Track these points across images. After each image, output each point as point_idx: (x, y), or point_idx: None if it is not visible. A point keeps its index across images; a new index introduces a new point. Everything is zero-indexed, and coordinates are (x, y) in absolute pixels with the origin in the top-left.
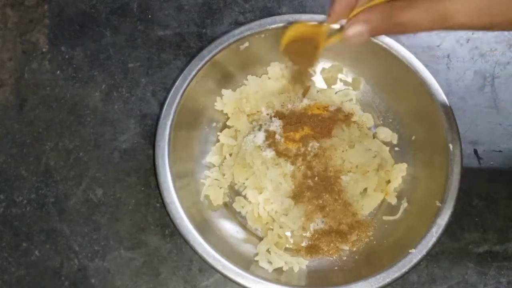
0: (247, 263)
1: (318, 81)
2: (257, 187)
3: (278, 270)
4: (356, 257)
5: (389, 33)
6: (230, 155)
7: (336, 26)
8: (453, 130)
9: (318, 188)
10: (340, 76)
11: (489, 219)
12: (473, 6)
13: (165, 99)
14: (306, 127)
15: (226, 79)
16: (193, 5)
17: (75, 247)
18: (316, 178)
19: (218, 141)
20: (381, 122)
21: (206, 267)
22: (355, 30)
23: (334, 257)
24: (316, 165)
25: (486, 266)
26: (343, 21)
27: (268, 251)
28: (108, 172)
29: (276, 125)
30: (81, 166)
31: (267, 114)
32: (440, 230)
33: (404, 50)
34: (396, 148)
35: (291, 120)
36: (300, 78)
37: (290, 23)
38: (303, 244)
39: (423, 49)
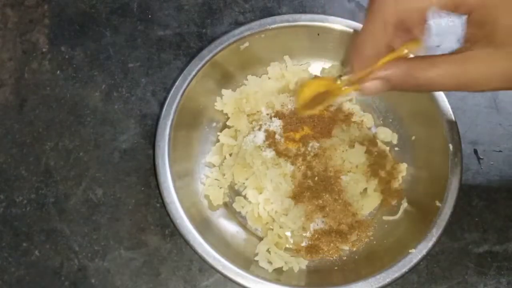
0: (247, 263)
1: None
2: (257, 187)
3: (278, 270)
4: (356, 257)
5: (407, 90)
6: (230, 155)
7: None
8: (453, 130)
9: (318, 188)
10: None
11: (489, 219)
12: (497, 71)
13: (165, 99)
14: (306, 127)
15: (226, 79)
16: (193, 5)
17: (75, 247)
18: (316, 178)
19: (218, 141)
20: (381, 122)
21: (206, 267)
22: (374, 86)
23: (334, 257)
24: (316, 165)
25: (486, 266)
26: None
27: (268, 251)
28: (108, 172)
29: (276, 125)
30: (81, 166)
31: (267, 114)
32: (440, 230)
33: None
34: (396, 148)
35: (291, 120)
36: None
37: (304, 80)
38: (303, 244)
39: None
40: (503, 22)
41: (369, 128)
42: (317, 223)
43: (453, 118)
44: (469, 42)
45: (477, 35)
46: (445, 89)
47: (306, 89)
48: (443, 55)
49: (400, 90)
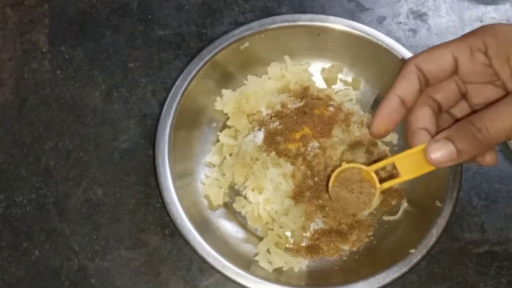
0: (247, 263)
1: (318, 81)
2: (257, 187)
3: (278, 270)
4: (356, 257)
5: (479, 147)
6: (230, 155)
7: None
8: None
9: (318, 188)
10: (340, 76)
11: (489, 219)
12: None
13: (165, 99)
14: (306, 127)
15: (226, 79)
16: (193, 5)
17: (75, 247)
18: (316, 178)
19: (218, 141)
20: None
21: (206, 267)
22: (440, 151)
23: (334, 257)
24: (316, 165)
25: (486, 266)
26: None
27: (268, 251)
28: (108, 172)
29: (276, 125)
30: (81, 166)
31: (267, 114)
32: (440, 230)
33: (405, 50)
34: (396, 148)
35: (291, 120)
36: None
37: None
38: (303, 244)
39: (423, 49)
40: None
41: (369, 128)
42: (317, 223)
43: None
44: None
45: None
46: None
47: (340, 170)
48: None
49: (468, 153)
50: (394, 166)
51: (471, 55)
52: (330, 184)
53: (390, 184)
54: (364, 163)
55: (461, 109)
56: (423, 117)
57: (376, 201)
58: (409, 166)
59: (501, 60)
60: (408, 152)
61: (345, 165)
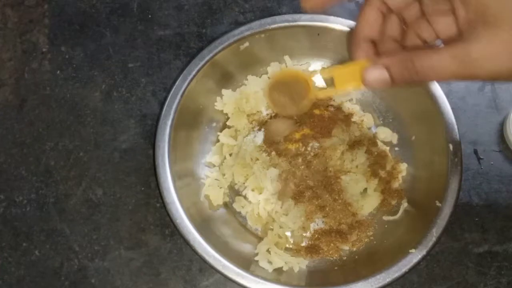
0: (247, 263)
1: (318, 81)
2: (257, 187)
3: (278, 270)
4: (356, 257)
5: (410, 81)
6: (230, 155)
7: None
8: (453, 130)
9: (318, 188)
10: None
11: (489, 219)
12: (502, 51)
13: (165, 99)
14: (306, 127)
15: (226, 79)
16: (193, 5)
17: (75, 247)
18: (316, 178)
19: (218, 141)
20: (381, 122)
21: (206, 267)
22: (374, 75)
23: (334, 257)
24: (316, 165)
25: (486, 266)
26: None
27: (268, 251)
28: (108, 172)
29: None
30: (81, 166)
31: (267, 114)
32: (440, 230)
33: None
34: (396, 148)
35: (291, 120)
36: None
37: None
38: (303, 244)
39: None
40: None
41: (369, 128)
42: (317, 223)
43: (453, 118)
44: (465, 31)
45: (472, 21)
46: (448, 77)
47: (278, 74)
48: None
49: (400, 83)
50: (393, 167)
51: None
52: (267, 88)
53: (324, 93)
54: (364, 164)
55: (410, 15)
56: (372, 24)
57: (308, 106)
58: (344, 79)
59: None
60: (346, 66)
61: (282, 70)
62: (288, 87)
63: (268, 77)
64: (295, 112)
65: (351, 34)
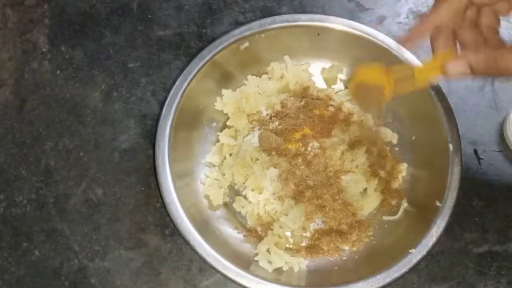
0: (247, 263)
1: (318, 81)
2: (257, 187)
3: (278, 270)
4: (356, 257)
5: (489, 75)
6: (230, 155)
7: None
8: (453, 130)
9: (318, 188)
10: (340, 76)
11: (489, 219)
12: None
13: (165, 99)
14: (306, 127)
15: (226, 79)
16: (193, 5)
17: (75, 247)
18: (316, 178)
19: (218, 141)
20: (381, 122)
21: (206, 267)
22: (458, 68)
23: (334, 257)
24: (316, 165)
25: (486, 266)
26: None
27: (268, 251)
28: (108, 172)
29: (276, 125)
30: (81, 166)
31: (267, 114)
32: (440, 230)
33: (404, 50)
34: (396, 148)
35: (291, 120)
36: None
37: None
38: (303, 244)
39: (423, 50)
40: None
41: (369, 128)
42: (317, 223)
43: (453, 118)
44: None
45: None
46: None
47: (360, 72)
48: None
49: (478, 74)
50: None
51: None
52: (352, 88)
53: (403, 88)
54: (364, 164)
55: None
56: (453, 13)
57: (388, 100)
58: (425, 71)
59: None
60: (425, 65)
61: (363, 68)
62: (369, 86)
63: (350, 78)
64: (378, 108)
65: (425, 26)
